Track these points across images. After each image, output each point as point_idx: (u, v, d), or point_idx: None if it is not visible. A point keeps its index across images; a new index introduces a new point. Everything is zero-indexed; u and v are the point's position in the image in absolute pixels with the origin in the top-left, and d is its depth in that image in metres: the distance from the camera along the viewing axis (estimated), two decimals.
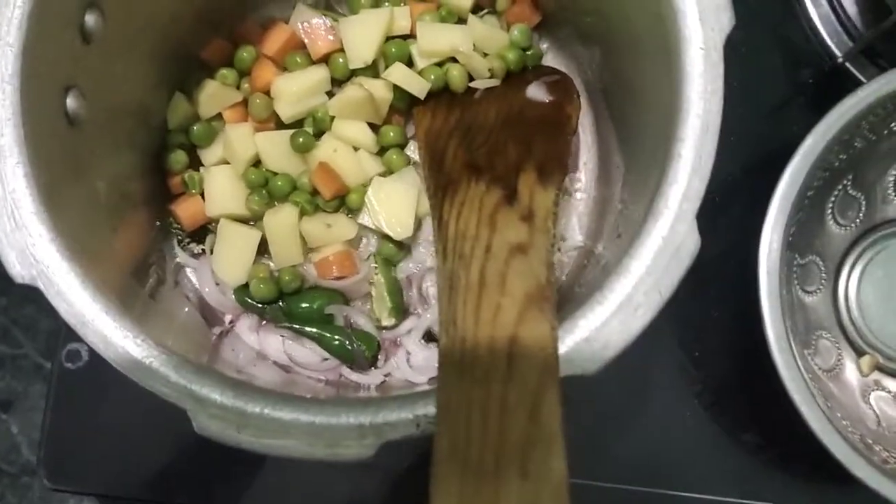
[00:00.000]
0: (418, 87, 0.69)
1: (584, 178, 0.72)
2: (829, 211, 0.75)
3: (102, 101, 0.58)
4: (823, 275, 0.76)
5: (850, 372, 0.75)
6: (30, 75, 0.50)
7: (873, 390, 0.74)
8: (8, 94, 0.49)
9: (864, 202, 0.76)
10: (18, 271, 0.48)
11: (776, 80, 0.82)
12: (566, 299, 0.60)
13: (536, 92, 0.68)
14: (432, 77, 0.69)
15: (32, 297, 0.89)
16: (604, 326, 0.47)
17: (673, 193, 0.48)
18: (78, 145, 0.56)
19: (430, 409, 0.46)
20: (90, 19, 0.55)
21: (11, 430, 0.93)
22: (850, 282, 0.77)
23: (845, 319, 0.76)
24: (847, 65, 0.77)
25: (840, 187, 0.74)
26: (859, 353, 0.76)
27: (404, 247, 0.71)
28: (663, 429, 0.77)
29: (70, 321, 0.48)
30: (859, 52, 0.78)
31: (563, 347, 0.47)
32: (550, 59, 0.74)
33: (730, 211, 0.77)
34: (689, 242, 0.48)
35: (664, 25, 0.52)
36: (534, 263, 0.51)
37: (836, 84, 0.79)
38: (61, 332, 0.85)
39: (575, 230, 0.71)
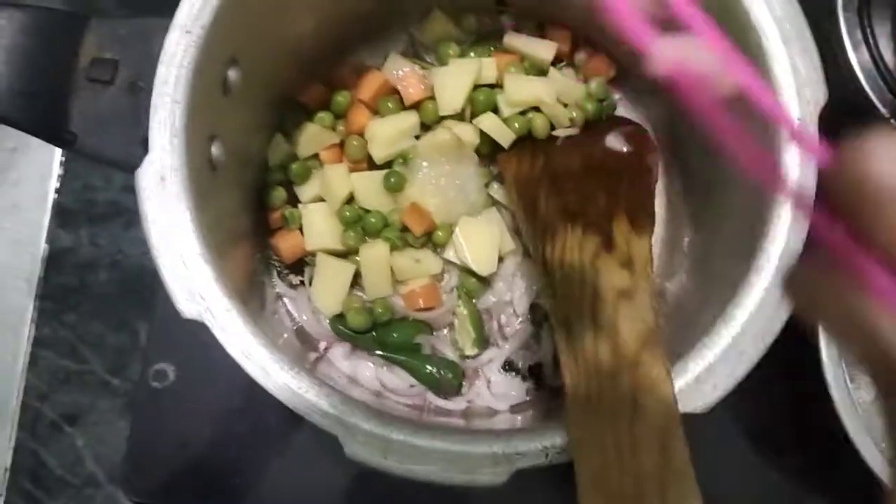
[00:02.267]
0: (505, 137, 0.74)
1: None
2: None
3: (231, 147, 0.63)
4: None
5: None
6: (191, 128, 0.55)
7: None
8: (176, 147, 0.54)
9: None
10: (187, 308, 0.53)
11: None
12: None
13: (615, 142, 0.74)
14: (517, 125, 0.75)
15: (100, 314, 0.95)
16: (713, 369, 0.53)
17: (773, 250, 0.54)
18: (214, 188, 0.61)
19: (558, 440, 0.52)
20: (232, 74, 0.61)
21: (76, 443, 0.96)
22: None
23: None
24: (893, 121, 0.83)
25: None
26: None
27: (485, 281, 0.76)
28: (707, 451, 0.81)
29: (234, 354, 0.52)
30: None
31: (676, 386, 0.52)
32: (623, 111, 0.80)
33: None
34: None
35: None
36: (640, 308, 0.56)
37: None
38: (131, 349, 0.90)
39: None
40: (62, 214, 0.96)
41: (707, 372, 0.53)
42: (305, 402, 0.52)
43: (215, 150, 0.60)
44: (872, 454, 0.67)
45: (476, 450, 0.52)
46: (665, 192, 0.78)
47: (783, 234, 0.54)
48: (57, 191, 0.97)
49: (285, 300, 0.75)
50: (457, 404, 0.73)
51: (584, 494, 0.47)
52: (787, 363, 0.79)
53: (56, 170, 0.97)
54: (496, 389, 0.74)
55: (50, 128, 0.56)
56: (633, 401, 0.50)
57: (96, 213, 0.95)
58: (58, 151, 0.97)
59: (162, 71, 0.54)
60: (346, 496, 0.80)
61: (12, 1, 0.58)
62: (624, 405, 0.50)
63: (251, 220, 0.74)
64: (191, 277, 0.53)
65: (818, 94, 0.56)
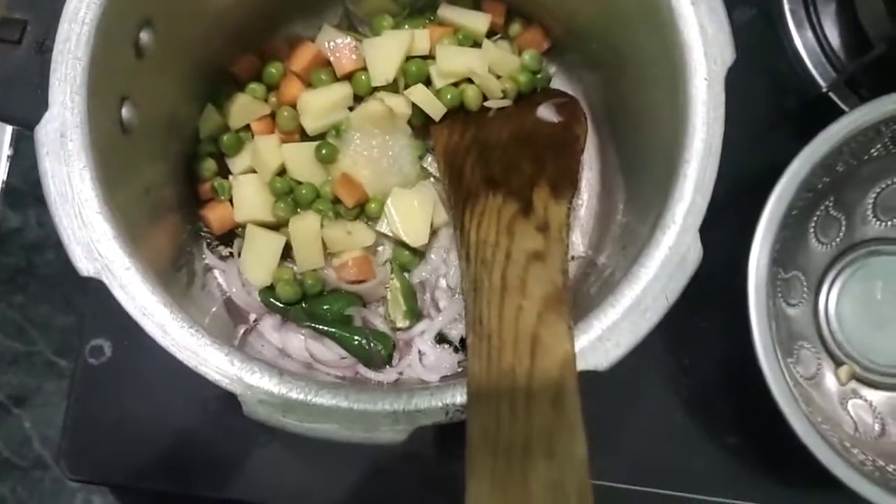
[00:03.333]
0: (435, 109, 0.74)
1: (586, 194, 0.78)
2: (812, 229, 0.80)
3: (148, 112, 0.63)
4: (805, 289, 0.82)
5: (830, 380, 0.80)
6: (94, 85, 0.55)
7: (851, 398, 0.79)
8: (76, 103, 0.54)
9: (844, 222, 0.81)
10: (84, 265, 0.52)
11: (762, 107, 0.87)
12: (571, 304, 0.65)
13: (546, 113, 0.73)
14: (449, 96, 0.74)
15: (48, 296, 0.94)
16: (615, 327, 0.52)
17: (679, 209, 0.53)
18: (128, 152, 0.60)
19: (458, 398, 0.51)
20: (144, 36, 0.60)
21: (24, 424, 0.96)
22: (829, 296, 0.82)
23: (825, 331, 0.81)
24: (831, 94, 0.83)
25: (822, 208, 0.79)
26: (838, 363, 0.81)
27: (419, 254, 0.75)
28: (653, 431, 0.82)
29: (131, 311, 0.52)
30: (842, 83, 0.83)
31: (579, 345, 0.52)
32: (558, 83, 0.80)
33: (717, 228, 0.81)
34: (693, 253, 0.53)
35: (671, 58, 0.57)
36: (551, 270, 0.56)
37: (820, 112, 0.83)
38: (78, 330, 0.89)
39: (578, 241, 0.76)
40: (10, 195, 0.96)
41: (610, 330, 0.52)
42: (204, 361, 0.52)
43: (127, 112, 0.59)
44: (807, 431, 0.67)
45: (376, 408, 0.51)
46: (600, 167, 0.78)
47: (689, 193, 0.54)
48: (6, 171, 0.96)
49: (215, 272, 0.75)
50: (387, 376, 0.73)
51: (471, 447, 0.47)
52: (724, 340, 0.81)
53: (6, 150, 0.96)
54: (428, 361, 0.74)
55: None
56: (532, 358, 0.50)
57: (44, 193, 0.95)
58: (8, 132, 0.97)
59: (64, 27, 0.54)
60: (283, 466, 0.80)
61: None
62: (522, 361, 0.50)
63: (180, 190, 0.73)
64: (90, 235, 0.52)
65: (725, 54, 0.55)
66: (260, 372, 0.52)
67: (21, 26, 0.56)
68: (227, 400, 0.78)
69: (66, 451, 0.82)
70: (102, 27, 0.55)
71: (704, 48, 0.55)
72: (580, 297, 0.68)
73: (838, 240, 0.82)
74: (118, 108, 0.59)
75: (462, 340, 0.75)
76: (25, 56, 0.56)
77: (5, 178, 0.96)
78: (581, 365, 0.51)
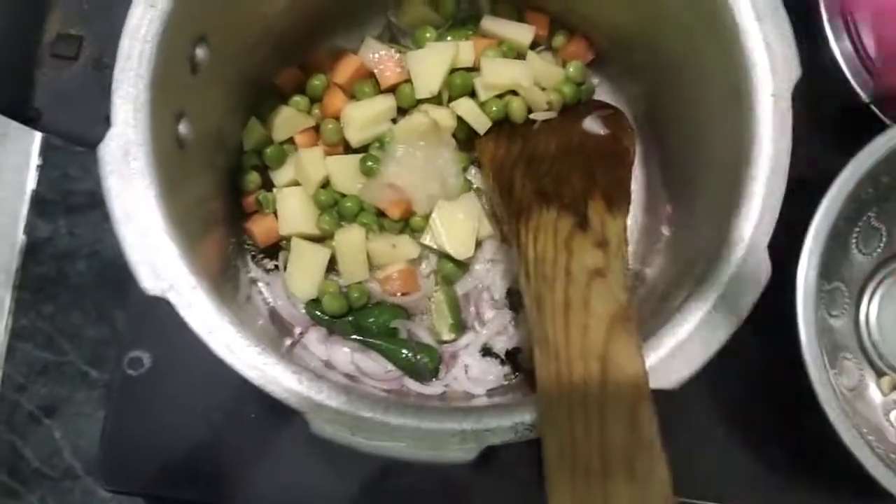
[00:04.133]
0: (481, 122, 0.74)
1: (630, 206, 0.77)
2: (854, 240, 0.80)
3: (200, 127, 0.63)
4: (847, 300, 0.81)
5: (873, 391, 0.80)
6: (155, 103, 0.54)
7: (893, 409, 0.79)
8: (139, 121, 0.53)
9: (885, 232, 0.81)
10: (151, 285, 0.52)
11: (797, 116, 0.86)
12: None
13: (592, 125, 0.73)
14: (494, 108, 0.74)
15: (78, 305, 0.94)
16: (685, 344, 0.52)
17: (746, 226, 0.53)
18: (183, 168, 0.60)
19: (527, 417, 0.51)
20: (199, 51, 0.60)
21: (54, 435, 0.95)
22: (870, 307, 0.82)
23: (866, 342, 0.81)
24: (872, 107, 0.83)
25: (865, 219, 0.79)
26: (879, 373, 0.81)
27: (463, 266, 0.75)
28: (694, 441, 0.81)
29: (198, 331, 0.52)
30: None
31: (647, 363, 0.52)
32: (601, 94, 0.79)
33: None
34: (763, 269, 0.53)
35: (733, 72, 0.57)
36: (613, 287, 0.55)
37: (857, 121, 0.83)
38: (110, 340, 0.89)
39: None
40: (40, 204, 0.95)
41: (679, 348, 0.52)
42: (271, 379, 0.51)
43: (183, 128, 0.59)
44: (857, 443, 0.67)
45: (444, 426, 0.51)
46: (644, 179, 0.77)
47: (756, 210, 0.54)
48: (35, 181, 0.96)
49: (260, 285, 0.74)
50: (433, 389, 0.72)
51: (550, 469, 0.46)
52: (767, 349, 0.80)
53: (34, 160, 0.96)
54: (473, 374, 0.74)
55: (14, 104, 0.56)
56: (603, 377, 0.49)
57: (75, 203, 0.95)
58: (37, 141, 0.97)
59: (125, 45, 0.54)
60: (326, 484, 0.79)
61: None
62: (593, 381, 0.49)
63: (225, 204, 0.73)
64: (155, 254, 0.52)
65: (791, 70, 0.55)
66: (328, 390, 0.51)
67: (77, 42, 0.56)
68: (267, 413, 0.79)
69: (103, 462, 0.82)
70: (162, 44, 0.55)
71: (771, 64, 0.55)
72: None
73: (879, 250, 0.82)
74: (176, 124, 0.59)
75: (508, 353, 0.75)
76: (82, 72, 0.56)
77: (35, 187, 0.95)
78: (651, 384, 0.51)
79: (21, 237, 0.94)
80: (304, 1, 0.71)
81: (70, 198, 0.95)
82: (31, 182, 0.95)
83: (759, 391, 0.82)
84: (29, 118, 0.56)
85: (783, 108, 0.55)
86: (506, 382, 0.73)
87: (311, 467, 0.79)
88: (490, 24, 0.77)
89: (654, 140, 0.75)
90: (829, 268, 0.77)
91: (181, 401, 0.81)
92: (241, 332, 0.52)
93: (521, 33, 0.76)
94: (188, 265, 0.53)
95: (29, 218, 0.94)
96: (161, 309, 0.75)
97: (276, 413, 0.78)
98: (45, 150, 0.96)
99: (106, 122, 0.54)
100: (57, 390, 0.95)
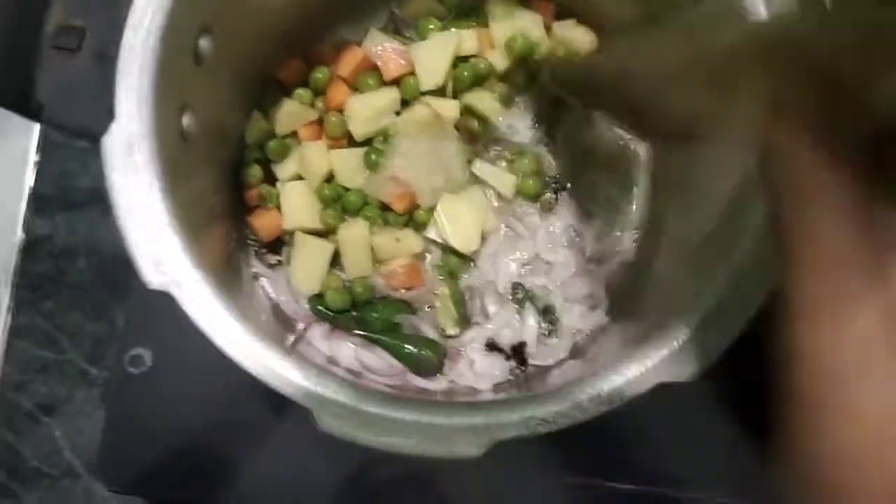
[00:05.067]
0: (493, 109, 0.74)
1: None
2: None
3: (203, 120, 0.62)
4: None
5: None
6: (159, 95, 0.54)
7: None
8: (143, 113, 0.52)
9: None
10: (154, 279, 0.51)
11: None
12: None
13: None
14: (516, 43, 0.74)
15: (78, 303, 0.93)
16: (699, 335, 0.52)
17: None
18: (186, 162, 0.59)
19: (538, 411, 0.50)
20: (203, 43, 0.59)
21: (54, 433, 0.94)
22: None
23: None
24: None
25: None
26: None
27: (467, 260, 0.74)
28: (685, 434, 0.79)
29: (202, 325, 0.51)
30: None
31: (658, 357, 0.52)
32: None
33: None
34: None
35: None
36: None
37: None
38: (111, 338, 0.88)
39: (629, 247, 0.76)
40: (39, 201, 0.94)
41: (694, 339, 0.51)
42: (277, 375, 0.51)
43: (186, 120, 0.59)
44: None
45: (454, 422, 0.50)
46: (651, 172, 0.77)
47: None
48: (34, 177, 0.95)
49: (263, 280, 0.74)
50: (438, 384, 0.72)
51: None
52: None
53: (32, 156, 0.95)
54: (478, 369, 0.73)
55: (15, 98, 0.54)
56: None
57: (74, 199, 0.94)
58: (34, 137, 0.95)
59: (129, 36, 0.53)
60: (329, 483, 0.78)
61: None
62: None
63: (228, 198, 0.73)
64: (158, 247, 0.51)
65: None
66: (335, 386, 0.51)
67: (79, 34, 0.55)
68: (271, 410, 0.79)
69: (104, 461, 0.81)
70: (166, 35, 0.54)
71: None
72: (638, 304, 0.67)
73: None
74: (179, 116, 0.58)
75: (514, 348, 0.74)
76: (85, 64, 0.55)
77: (32, 184, 0.94)
78: (663, 377, 0.50)
79: (19, 235, 0.93)
80: None
81: (69, 195, 0.94)
82: (29, 179, 0.94)
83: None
84: (31, 112, 0.55)
85: None
86: (511, 377, 0.73)
87: (316, 465, 0.78)
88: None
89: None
90: None
91: (184, 398, 0.80)
92: (245, 328, 0.51)
93: (529, 20, 0.76)
94: (191, 259, 0.52)
95: (27, 215, 0.93)
96: (163, 304, 0.75)
97: (279, 411, 0.78)
98: (44, 146, 0.95)
99: (109, 115, 0.53)
100: (56, 389, 0.94)
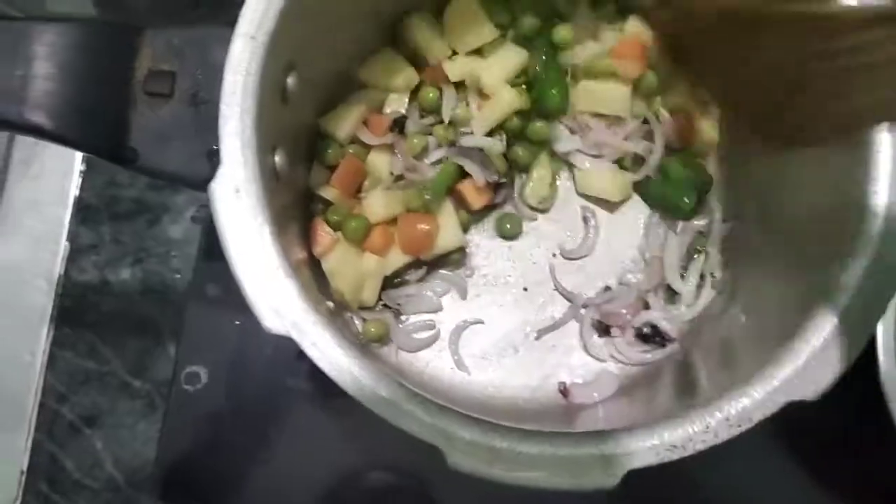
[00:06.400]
0: None
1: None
2: None
3: (289, 158, 0.62)
4: None
5: None
6: (258, 137, 0.53)
7: None
8: (248, 158, 0.52)
9: None
10: (273, 324, 0.50)
11: None
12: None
13: None
14: None
15: (122, 314, 0.92)
16: (821, 353, 0.52)
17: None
18: (278, 202, 0.59)
19: (665, 436, 0.50)
20: (290, 81, 0.59)
21: (95, 445, 0.93)
22: None
23: None
24: None
25: None
26: None
27: None
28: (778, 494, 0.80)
29: (324, 368, 0.50)
30: None
31: (783, 375, 0.51)
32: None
33: None
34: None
35: None
36: None
37: None
38: (157, 352, 0.88)
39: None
40: (84, 211, 0.94)
41: (817, 356, 0.52)
42: (403, 413, 0.50)
43: (278, 159, 0.58)
44: None
45: (582, 452, 0.50)
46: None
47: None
48: (79, 187, 0.94)
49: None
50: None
51: None
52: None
53: (78, 165, 0.95)
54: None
55: (110, 146, 0.54)
56: None
57: (119, 210, 0.93)
58: None
59: (229, 80, 0.52)
60: (379, 500, 0.79)
61: (63, 16, 0.55)
62: None
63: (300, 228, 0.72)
64: (274, 292, 0.51)
65: None
66: (461, 422, 0.50)
67: (170, 78, 0.55)
68: (323, 427, 0.79)
69: (159, 476, 0.81)
70: (262, 77, 0.53)
71: None
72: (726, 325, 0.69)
73: None
74: (272, 156, 0.58)
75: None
76: (178, 109, 0.55)
77: (77, 193, 0.94)
78: (789, 396, 0.51)
79: (64, 244, 0.93)
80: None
81: (114, 204, 0.94)
82: (74, 188, 0.94)
83: (841, 436, 0.78)
84: (126, 159, 0.54)
85: None
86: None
87: (367, 482, 0.79)
88: None
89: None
90: None
91: (237, 416, 0.81)
92: (365, 368, 0.51)
93: None
94: (307, 302, 0.51)
95: (72, 225, 0.93)
96: (219, 326, 0.75)
97: (332, 427, 0.79)
98: (90, 157, 0.94)
99: (206, 159, 0.53)
100: (98, 400, 0.93)
